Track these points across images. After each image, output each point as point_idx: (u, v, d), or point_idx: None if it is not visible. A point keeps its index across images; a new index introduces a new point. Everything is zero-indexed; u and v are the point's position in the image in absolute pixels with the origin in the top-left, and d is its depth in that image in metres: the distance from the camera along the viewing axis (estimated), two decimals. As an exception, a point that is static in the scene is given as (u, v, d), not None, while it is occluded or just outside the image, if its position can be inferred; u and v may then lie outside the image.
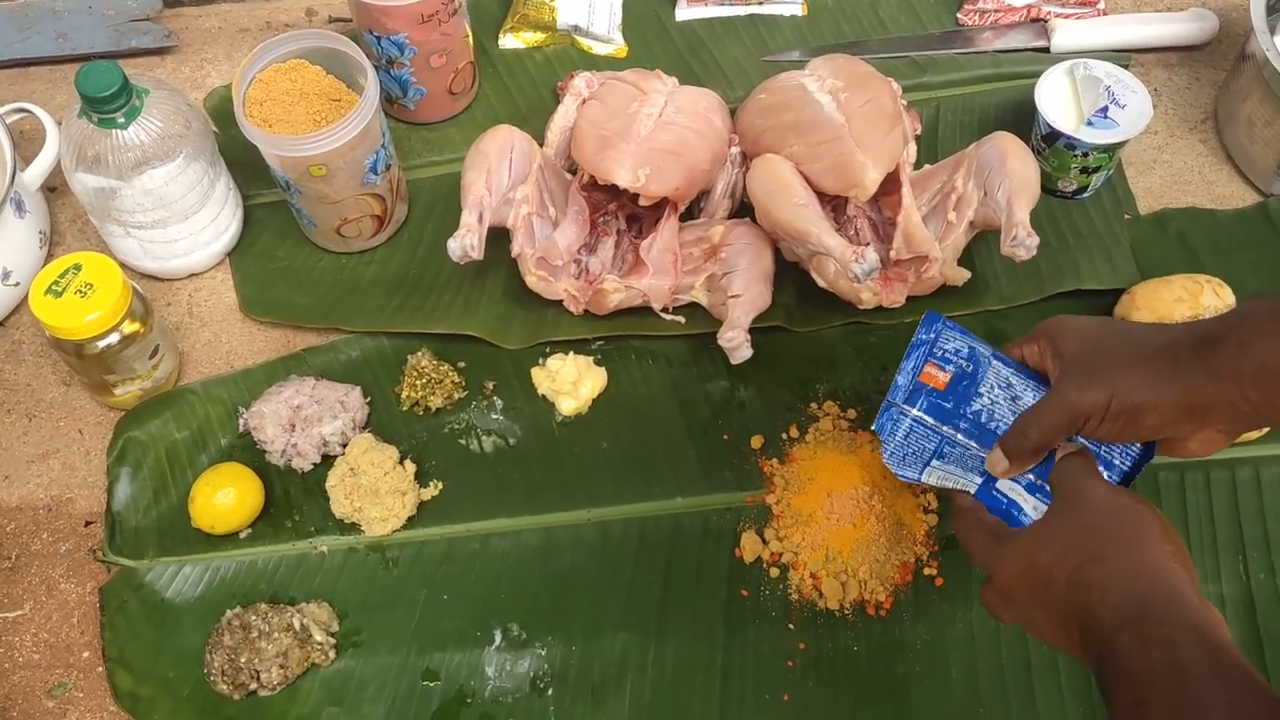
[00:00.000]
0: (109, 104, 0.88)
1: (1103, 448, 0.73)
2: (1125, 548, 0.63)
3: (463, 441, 0.94)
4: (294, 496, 0.92)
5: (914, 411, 0.77)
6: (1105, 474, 0.73)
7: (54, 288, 0.86)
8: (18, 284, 0.99)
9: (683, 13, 1.17)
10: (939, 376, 0.77)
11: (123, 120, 0.90)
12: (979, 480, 0.76)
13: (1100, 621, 0.60)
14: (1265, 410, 0.65)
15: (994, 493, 0.75)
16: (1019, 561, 0.66)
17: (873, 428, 0.78)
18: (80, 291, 0.86)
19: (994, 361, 0.77)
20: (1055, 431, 0.70)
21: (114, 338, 0.88)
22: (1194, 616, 0.58)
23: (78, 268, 0.87)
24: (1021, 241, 0.87)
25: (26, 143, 1.07)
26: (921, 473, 0.78)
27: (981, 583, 0.70)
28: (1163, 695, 0.55)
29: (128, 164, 0.91)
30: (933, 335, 0.78)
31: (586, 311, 0.98)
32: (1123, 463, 0.74)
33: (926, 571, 0.86)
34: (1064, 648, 0.65)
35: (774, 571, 0.87)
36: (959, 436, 0.76)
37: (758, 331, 0.92)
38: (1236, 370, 0.64)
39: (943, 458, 0.77)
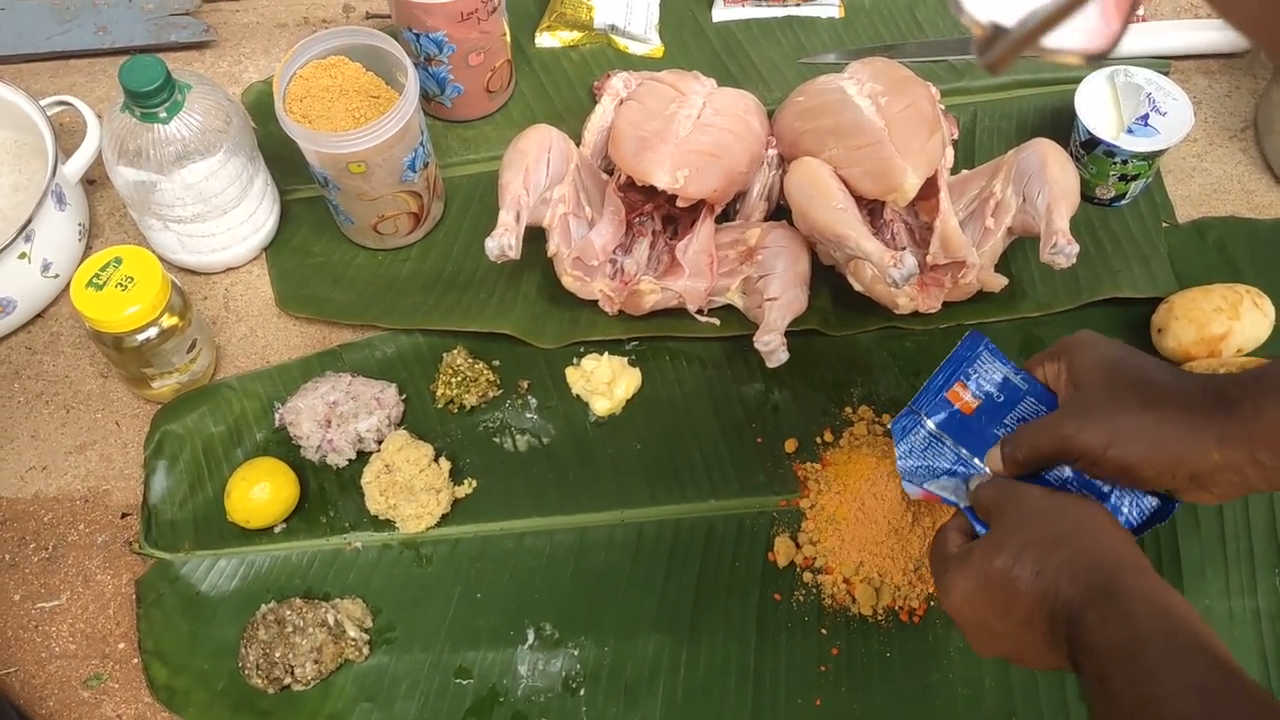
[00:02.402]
0: (152, 98, 0.88)
1: (1112, 495, 0.71)
2: (1082, 533, 0.64)
3: (497, 440, 0.94)
4: (329, 492, 0.92)
5: (930, 423, 0.76)
6: None
7: (95, 281, 0.87)
8: (57, 276, 1.00)
9: (720, 13, 1.17)
10: (965, 399, 0.76)
11: (165, 115, 0.90)
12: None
13: (1070, 601, 0.60)
14: (1276, 475, 0.64)
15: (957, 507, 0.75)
16: (973, 572, 0.65)
17: (889, 425, 0.77)
18: (121, 285, 0.87)
19: (1028, 397, 0.75)
20: (1045, 457, 0.70)
21: (153, 331, 0.89)
22: (1154, 592, 0.60)
23: (118, 261, 0.88)
24: (1061, 249, 0.87)
25: (67, 135, 1.07)
26: (925, 483, 0.76)
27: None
28: (1121, 668, 0.56)
29: (169, 158, 0.92)
30: (969, 356, 0.77)
31: (621, 312, 0.98)
32: (1131, 514, 0.71)
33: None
34: (1026, 653, 0.64)
35: (807, 576, 0.87)
36: (976, 460, 0.75)
37: (793, 335, 0.92)
38: (1249, 434, 0.64)
39: (953, 475, 0.76)
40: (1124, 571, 0.61)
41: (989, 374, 0.76)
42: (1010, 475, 0.72)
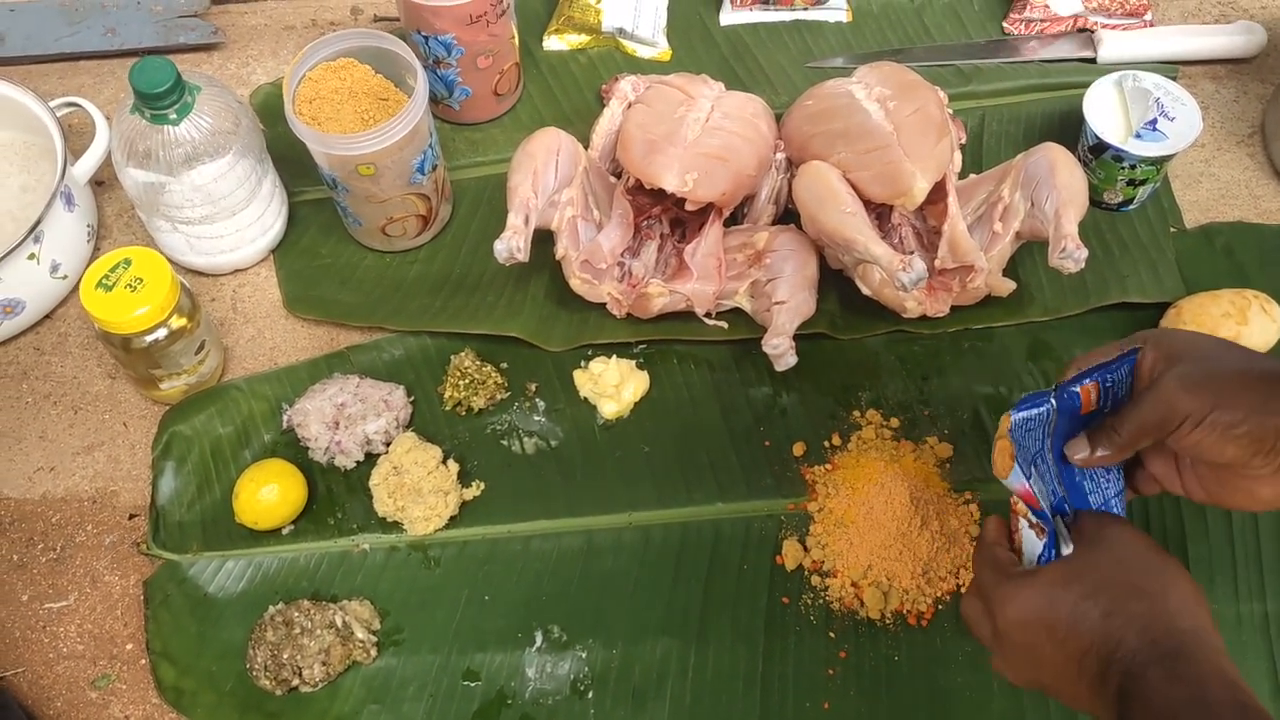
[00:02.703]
0: (162, 100, 0.89)
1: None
2: (1166, 593, 0.63)
3: (505, 442, 0.94)
4: (336, 494, 0.92)
5: (1053, 404, 0.70)
6: None
7: (104, 282, 0.87)
8: (65, 277, 1.00)
9: (727, 17, 1.17)
10: (1092, 398, 0.70)
11: (175, 116, 0.90)
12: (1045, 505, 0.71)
13: (1134, 654, 0.59)
14: None
15: (1042, 518, 0.70)
16: (1041, 594, 0.64)
17: (1024, 394, 0.72)
18: (130, 286, 0.87)
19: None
20: (1148, 428, 0.66)
21: (162, 332, 0.89)
22: (1224, 662, 0.59)
23: (128, 262, 0.88)
24: (1070, 254, 0.87)
25: (75, 136, 1.07)
26: (1024, 467, 0.70)
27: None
28: None
29: (178, 160, 0.92)
30: (1119, 365, 0.70)
31: (629, 315, 0.98)
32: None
33: (969, 583, 0.86)
34: (1064, 689, 0.64)
35: (815, 579, 0.87)
36: (1050, 458, 0.71)
37: (801, 338, 0.92)
38: None
39: (1035, 466, 0.71)
40: (1197, 641, 0.60)
41: (1118, 387, 0.71)
42: (1102, 461, 0.69)
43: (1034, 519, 0.70)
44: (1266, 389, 0.64)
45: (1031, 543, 0.70)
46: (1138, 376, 0.69)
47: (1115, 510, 0.71)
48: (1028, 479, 0.69)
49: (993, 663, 0.69)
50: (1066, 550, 0.68)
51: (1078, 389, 0.69)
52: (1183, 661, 0.59)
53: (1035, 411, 0.68)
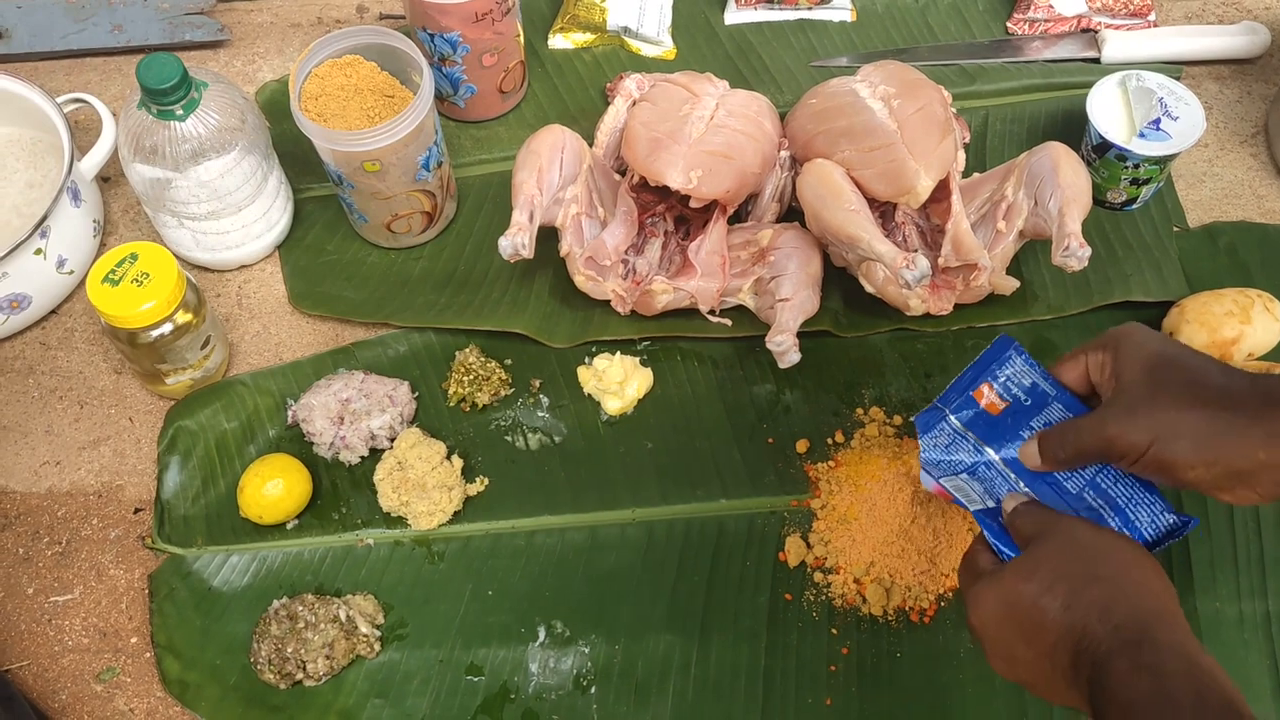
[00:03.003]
0: (169, 96, 0.89)
1: (1129, 508, 0.69)
2: (1123, 577, 0.62)
3: (509, 438, 0.95)
4: (341, 489, 0.93)
5: (955, 420, 0.76)
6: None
7: (111, 276, 0.87)
8: (72, 272, 1.01)
9: (732, 16, 1.17)
10: (991, 399, 0.75)
11: (181, 112, 0.91)
12: (991, 504, 0.73)
13: (1098, 642, 0.59)
14: None
15: (995, 521, 0.72)
16: (1001, 593, 0.64)
17: (913, 419, 0.76)
18: (137, 281, 0.87)
19: (1056, 403, 0.73)
20: (1086, 456, 0.69)
21: (167, 327, 0.89)
22: (1187, 648, 0.59)
23: (134, 257, 0.88)
24: (1074, 253, 0.87)
25: (82, 132, 1.08)
26: (943, 478, 0.75)
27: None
28: None
29: (184, 156, 0.92)
30: (998, 358, 0.75)
31: (633, 312, 0.98)
32: (1146, 530, 0.69)
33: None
34: (1043, 685, 0.63)
35: (818, 576, 0.88)
36: (998, 461, 0.74)
37: (805, 336, 0.93)
38: None
39: (973, 474, 0.75)
40: (1160, 623, 0.60)
41: (1017, 377, 0.75)
42: (1049, 470, 0.71)
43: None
44: (1212, 420, 0.64)
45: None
46: (1091, 369, 0.71)
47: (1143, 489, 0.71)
48: (936, 480, 0.74)
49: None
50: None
51: (968, 394, 0.74)
52: (1147, 648, 0.58)
53: (937, 435, 0.74)
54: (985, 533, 0.71)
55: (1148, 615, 0.60)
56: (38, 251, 0.96)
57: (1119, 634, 0.59)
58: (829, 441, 0.93)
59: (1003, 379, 0.75)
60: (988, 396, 0.75)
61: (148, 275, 0.87)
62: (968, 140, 1.06)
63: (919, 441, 0.76)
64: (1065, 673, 0.61)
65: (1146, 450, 0.65)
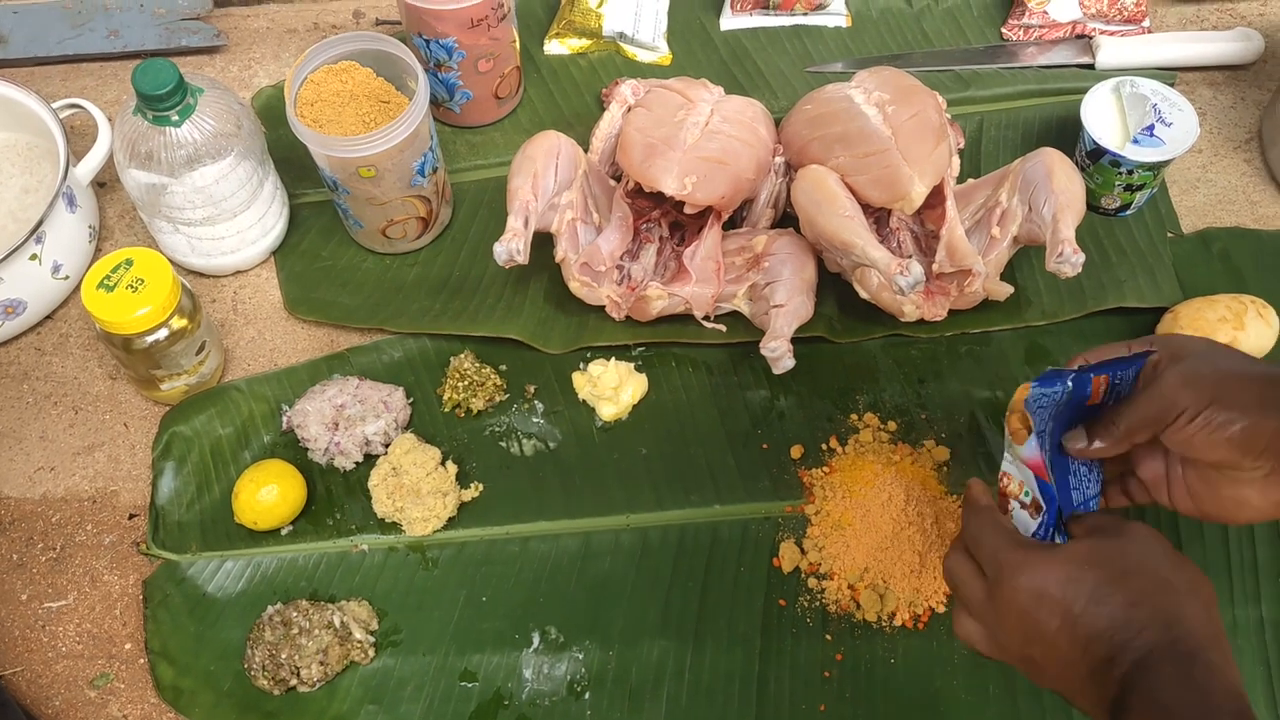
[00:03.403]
0: (164, 102, 0.89)
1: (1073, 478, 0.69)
2: (1191, 589, 0.62)
3: (503, 444, 0.95)
4: (335, 495, 0.93)
5: (1069, 388, 0.69)
6: None
7: (106, 282, 0.87)
8: (67, 277, 1.01)
9: (727, 22, 1.18)
10: (1100, 391, 0.70)
11: (177, 118, 0.91)
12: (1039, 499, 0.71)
13: (1151, 649, 0.59)
14: None
15: (1046, 492, 0.70)
16: (1065, 569, 0.63)
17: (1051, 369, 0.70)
18: (132, 286, 0.87)
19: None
20: (1146, 420, 0.67)
21: (163, 333, 0.89)
22: (1233, 675, 0.59)
23: (129, 263, 0.88)
24: (1067, 259, 0.87)
25: (78, 138, 1.08)
26: (1039, 438, 0.70)
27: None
28: None
29: (179, 161, 0.92)
30: (1130, 365, 0.70)
31: (628, 318, 0.98)
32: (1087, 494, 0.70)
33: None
34: (1058, 670, 0.63)
35: (812, 582, 0.88)
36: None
37: (799, 342, 0.92)
38: None
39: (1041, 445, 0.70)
40: (1216, 648, 0.60)
41: (1126, 386, 0.71)
42: (1099, 453, 0.69)
43: (1029, 498, 0.70)
44: (1264, 390, 0.64)
45: (1024, 523, 0.71)
46: (1142, 377, 0.70)
47: (1093, 507, 0.72)
48: (1041, 449, 0.69)
49: (960, 626, 0.68)
50: (1060, 539, 0.68)
51: (1091, 377, 0.68)
52: (1199, 667, 0.58)
53: (1052, 389, 0.68)
54: (1047, 512, 0.69)
55: (1207, 639, 0.60)
56: (33, 257, 0.96)
57: (1176, 647, 0.59)
58: (823, 447, 0.93)
59: (1118, 380, 0.70)
60: (1100, 388, 0.70)
61: (143, 281, 0.87)
62: (962, 146, 1.06)
63: (1033, 385, 0.69)
64: (1093, 665, 0.60)
65: (1206, 405, 0.64)
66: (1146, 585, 0.62)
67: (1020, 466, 0.72)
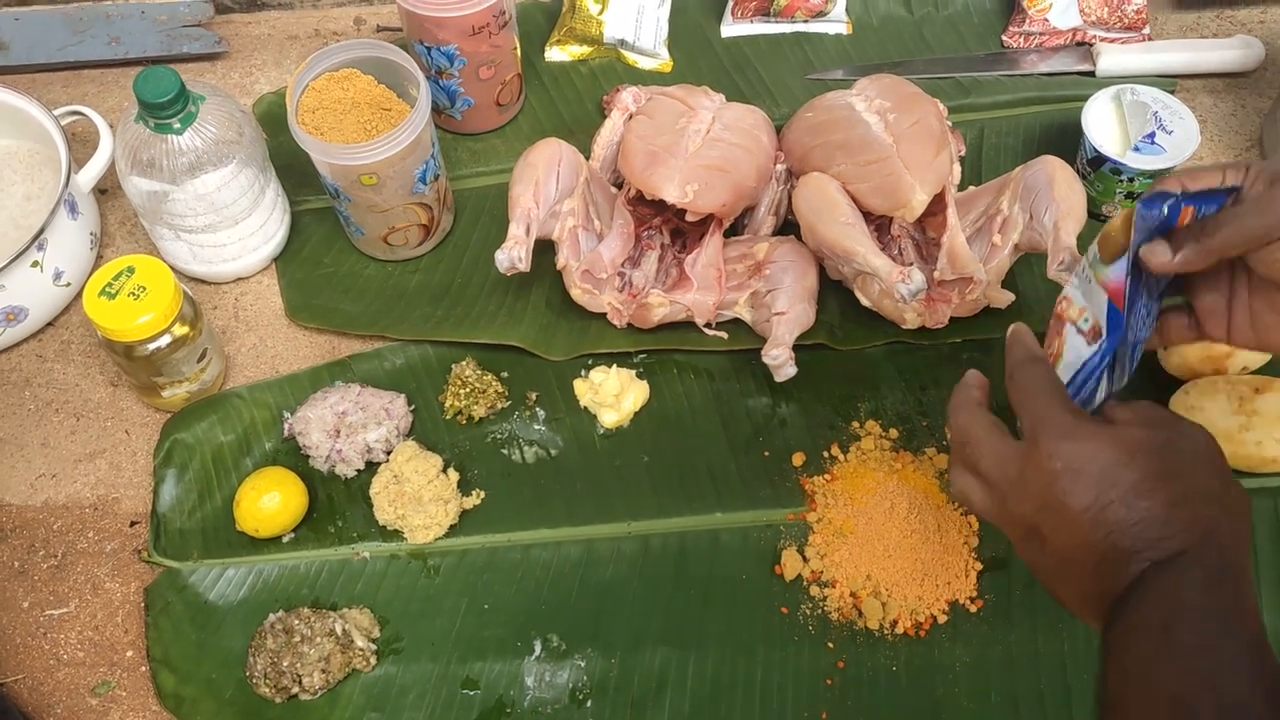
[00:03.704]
0: (166, 109, 0.89)
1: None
2: (1238, 510, 0.60)
3: (505, 451, 0.95)
4: (337, 502, 0.93)
5: (1165, 214, 0.66)
6: None
7: (108, 289, 0.87)
8: (69, 284, 1.01)
9: (728, 29, 1.18)
10: (1185, 222, 0.67)
11: (179, 126, 0.91)
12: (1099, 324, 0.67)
13: (1181, 550, 0.56)
14: None
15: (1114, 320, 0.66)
16: (1112, 448, 0.59)
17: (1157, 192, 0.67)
18: (133, 294, 0.87)
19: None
20: (1247, 235, 0.63)
21: (164, 340, 0.89)
22: (1257, 606, 0.57)
23: (131, 270, 0.88)
24: (1069, 266, 0.87)
25: (79, 145, 1.08)
26: (1125, 263, 0.66)
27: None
28: (1198, 630, 0.54)
29: (181, 169, 0.92)
30: (1217, 199, 0.66)
31: (630, 325, 0.98)
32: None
33: (967, 593, 0.86)
34: (1062, 545, 0.60)
35: (814, 589, 0.88)
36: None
37: (800, 349, 0.93)
38: None
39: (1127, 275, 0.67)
40: (1244, 572, 0.58)
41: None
42: (1192, 258, 0.65)
43: (1089, 324, 0.67)
44: None
45: (1076, 350, 0.67)
46: (1230, 177, 0.65)
47: (1138, 354, 0.69)
48: (1127, 272, 0.65)
49: (957, 480, 0.66)
50: (1119, 381, 0.66)
51: (1183, 205, 0.65)
52: (1229, 580, 0.56)
53: (1154, 211, 0.65)
54: (1107, 340, 0.66)
55: (1241, 558, 0.58)
56: (35, 264, 0.96)
57: (1208, 556, 0.56)
58: (825, 455, 0.93)
59: (1202, 214, 0.67)
60: (1186, 219, 0.67)
61: (144, 289, 0.87)
62: (963, 153, 1.06)
63: (1140, 206, 0.66)
64: (1107, 554, 0.58)
65: None
66: (1193, 490, 0.58)
67: (1093, 290, 0.68)
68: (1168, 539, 0.57)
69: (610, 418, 0.95)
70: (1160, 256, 0.65)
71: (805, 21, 1.17)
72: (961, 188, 1.02)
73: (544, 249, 0.97)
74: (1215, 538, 0.57)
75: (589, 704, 0.84)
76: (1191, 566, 0.56)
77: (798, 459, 0.93)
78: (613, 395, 0.95)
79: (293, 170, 1.05)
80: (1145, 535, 0.57)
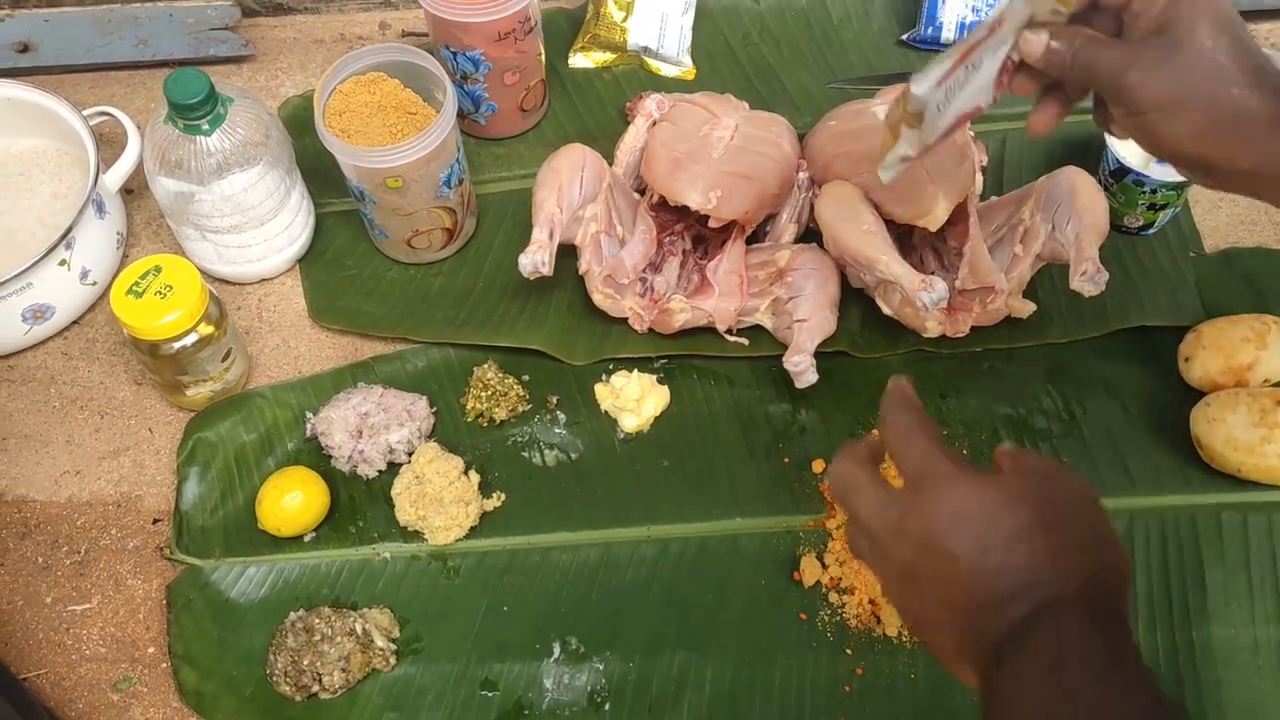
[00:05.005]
0: (196, 111, 0.90)
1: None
2: (1119, 562, 0.59)
3: (525, 454, 0.95)
4: (359, 502, 0.93)
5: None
6: None
7: (135, 288, 0.88)
8: (95, 283, 1.01)
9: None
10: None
11: (207, 127, 0.92)
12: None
13: (1058, 596, 0.56)
14: None
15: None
16: (995, 493, 0.59)
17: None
18: (160, 293, 0.88)
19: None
20: (1090, 75, 0.68)
21: (190, 339, 0.90)
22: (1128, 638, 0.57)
23: (158, 269, 0.89)
24: (1091, 277, 0.88)
25: (107, 145, 1.09)
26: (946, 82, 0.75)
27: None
28: (1089, 671, 0.54)
29: (209, 170, 0.93)
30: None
31: (651, 330, 0.98)
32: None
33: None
34: (942, 598, 0.59)
35: (833, 596, 0.88)
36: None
37: (821, 356, 0.93)
38: None
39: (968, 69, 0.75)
40: (1124, 615, 0.58)
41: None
42: (1047, 64, 0.70)
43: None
44: (1233, 110, 0.64)
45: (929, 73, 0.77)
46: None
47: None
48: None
49: (851, 536, 0.65)
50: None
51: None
52: (1115, 623, 0.56)
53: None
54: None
55: (1123, 607, 0.58)
56: (62, 263, 0.97)
57: (1093, 602, 0.56)
58: (845, 462, 0.93)
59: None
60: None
61: (171, 288, 0.88)
62: (985, 163, 1.06)
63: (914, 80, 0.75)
64: (989, 600, 0.57)
65: (1153, 109, 0.65)
66: (1072, 539, 0.58)
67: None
68: (1048, 584, 0.56)
69: (631, 422, 0.96)
70: (1032, 49, 0.69)
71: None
72: (983, 198, 1.02)
73: (566, 254, 0.98)
74: (1096, 585, 0.57)
75: (607, 707, 0.85)
76: (1075, 607, 0.56)
77: (817, 466, 0.93)
78: (633, 400, 0.95)
79: (317, 173, 1.06)
80: (1026, 580, 0.57)
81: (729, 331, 0.98)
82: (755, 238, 1.03)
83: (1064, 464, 0.65)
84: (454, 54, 1.03)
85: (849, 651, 0.86)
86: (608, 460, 0.95)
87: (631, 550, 0.91)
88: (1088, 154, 1.06)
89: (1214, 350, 0.92)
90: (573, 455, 0.95)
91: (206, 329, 0.91)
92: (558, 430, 0.96)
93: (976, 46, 0.74)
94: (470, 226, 1.06)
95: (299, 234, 1.04)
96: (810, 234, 1.03)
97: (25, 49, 1.17)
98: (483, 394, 0.96)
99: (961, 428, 0.95)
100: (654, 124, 1.04)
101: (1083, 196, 0.92)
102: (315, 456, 0.95)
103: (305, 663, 0.84)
